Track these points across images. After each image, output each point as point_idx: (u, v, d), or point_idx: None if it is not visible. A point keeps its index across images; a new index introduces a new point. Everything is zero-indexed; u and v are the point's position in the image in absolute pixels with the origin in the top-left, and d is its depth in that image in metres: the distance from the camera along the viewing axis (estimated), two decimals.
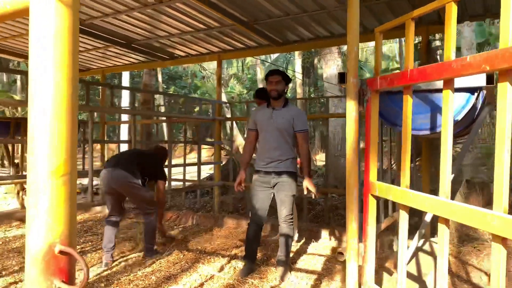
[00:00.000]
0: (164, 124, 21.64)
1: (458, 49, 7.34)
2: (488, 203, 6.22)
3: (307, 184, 3.24)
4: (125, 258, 3.88)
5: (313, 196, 3.32)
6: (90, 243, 4.44)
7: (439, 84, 2.27)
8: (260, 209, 3.31)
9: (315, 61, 22.65)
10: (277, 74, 3.31)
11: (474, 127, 2.62)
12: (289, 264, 3.44)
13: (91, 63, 7.40)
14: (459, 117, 2.24)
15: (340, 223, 5.51)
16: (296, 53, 15.49)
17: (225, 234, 4.87)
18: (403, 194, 1.81)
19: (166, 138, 22.88)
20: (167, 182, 4.08)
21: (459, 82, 2.21)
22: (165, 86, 24.71)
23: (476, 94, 2.18)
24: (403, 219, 1.88)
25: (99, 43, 5.93)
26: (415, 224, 4.15)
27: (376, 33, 2.11)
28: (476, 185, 6.30)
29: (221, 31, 5.13)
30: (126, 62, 7.22)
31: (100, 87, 8.24)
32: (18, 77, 19.56)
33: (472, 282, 3.03)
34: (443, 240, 1.58)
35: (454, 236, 4.58)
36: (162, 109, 16.12)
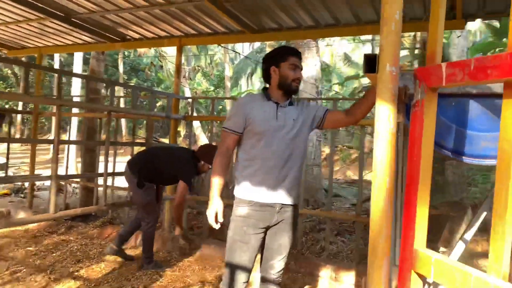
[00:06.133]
0: (123, 120, 19.96)
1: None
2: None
3: None
4: None
5: None
6: None
7: None
8: (247, 265, 2.12)
9: None
10: (300, 57, 2.19)
11: None
12: None
13: (25, 40, 6.11)
14: None
15: (315, 250, 4.64)
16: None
17: (175, 264, 3.86)
18: None
19: (124, 135, 21.25)
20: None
21: None
22: (126, 77, 23.06)
23: None
24: None
25: (29, 13, 4.73)
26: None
27: None
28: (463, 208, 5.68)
29: (182, 8, 4.11)
30: (68, 42, 6.00)
31: (36, 70, 6.86)
32: None
33: None
34: None
35: None
36: (122, 101, 13.89)
